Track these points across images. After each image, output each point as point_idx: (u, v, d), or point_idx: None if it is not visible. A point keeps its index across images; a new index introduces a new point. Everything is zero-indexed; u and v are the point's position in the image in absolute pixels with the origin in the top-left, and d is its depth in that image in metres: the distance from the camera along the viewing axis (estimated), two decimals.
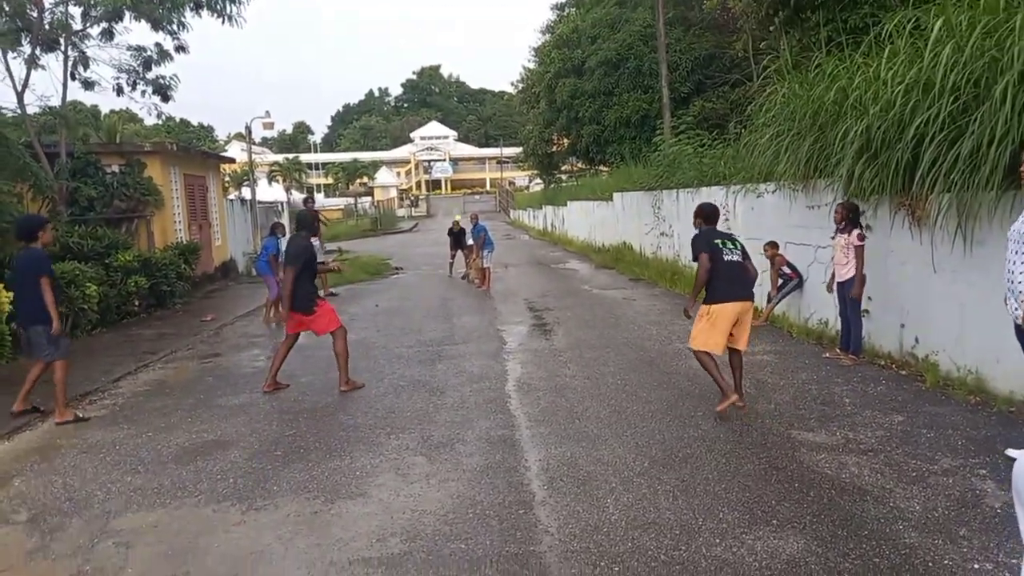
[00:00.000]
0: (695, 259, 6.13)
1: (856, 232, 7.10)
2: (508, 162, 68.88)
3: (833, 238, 7.50)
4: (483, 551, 3.78)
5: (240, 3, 13.61)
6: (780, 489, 4.36)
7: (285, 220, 24.52)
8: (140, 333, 11.04)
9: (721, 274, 5.90)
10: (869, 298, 7.41)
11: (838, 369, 7.13)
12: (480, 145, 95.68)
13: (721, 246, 6.02)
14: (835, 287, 7.53)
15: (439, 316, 11.72)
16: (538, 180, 45.14)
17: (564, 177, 37.59)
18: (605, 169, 28.75)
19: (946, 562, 3.43)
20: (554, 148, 34.07)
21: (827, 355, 7.67)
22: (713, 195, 12.38)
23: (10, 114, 12.31)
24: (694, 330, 6.03)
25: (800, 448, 5.02)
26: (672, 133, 18.33)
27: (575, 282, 15.70)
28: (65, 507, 4.62)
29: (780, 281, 9.40)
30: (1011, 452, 4.53)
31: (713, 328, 5.85)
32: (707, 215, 6.35)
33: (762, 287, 10.11)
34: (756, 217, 10.68)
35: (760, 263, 9.88)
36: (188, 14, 13.48)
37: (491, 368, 7.88)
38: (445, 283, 16.56)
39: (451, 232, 17.73)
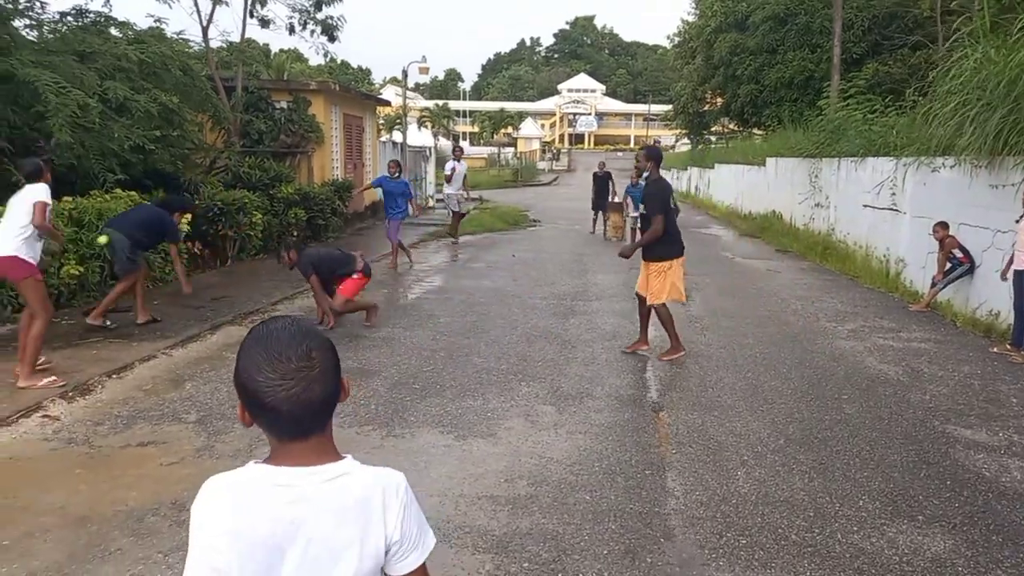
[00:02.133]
0: (651, 213, 6.48)
1: None
2: (655, 119, 66.86)
3: (1018, 222, 6.75)
4: (607, 504, 3.82)
5: None
6: (929, 485, 4.08)
7: (431, 165, 25.25)
8: None
9: (674, 232, 6.50)
10: None
11: (1007, 366, 6.51)
12: (628, 101, 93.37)
13: (673, 205, 6.77)
14: (1011, 276, 6.82)
15: (573, 271, 11.73)
16: (685, 140, 43.59)
17: (713, 139, 36.09)
18: (759, 132, 27.29)
19: None
20: (706, 107, 32.67)
21: (995, 350, 7.01)
22: (880, 167, 11.48)
23: (196, 47, 13.33)
24: (656, 286, 6.48)
25: (956, 445, 4.66)
26: (839, 97, 17.04)
27: (716, 249, 15.19)
28: (228, 412, 5.10)
29: (948, 265, 8.63)
30: None
31: (676, 280, 6.50)
32: (658, 160, 6.70)
33: (925, 270, 9.36)
34: (928, 194, 9.81)
35: (927, 244, 9.15)
36: None
37: (624, 327, 7.83)
38: (582, 238, 16.51)
39: (596, 177, 17.38)
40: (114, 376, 5.81)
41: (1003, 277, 7.15)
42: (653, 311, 6.64)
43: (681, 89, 34.19)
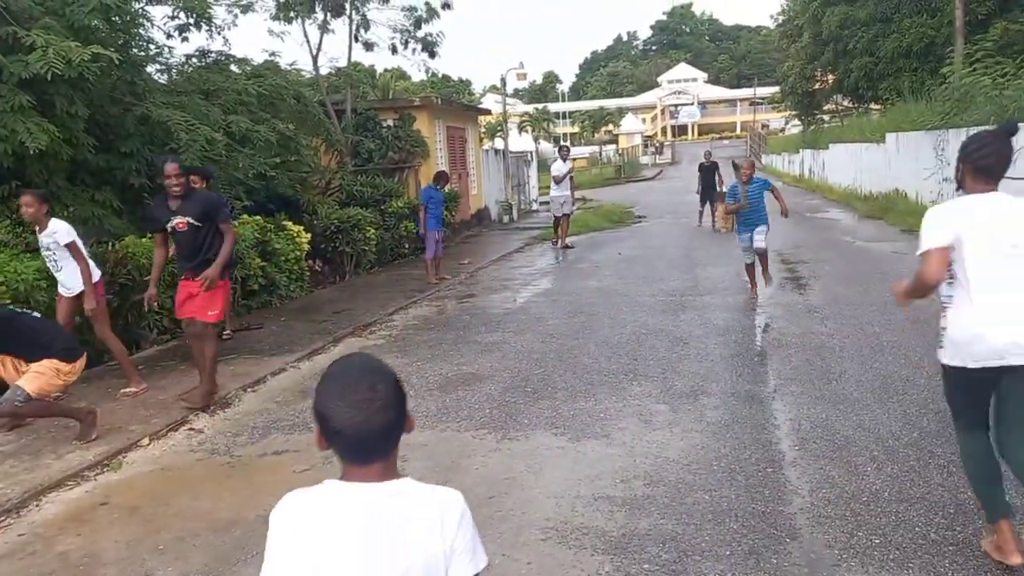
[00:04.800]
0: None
1: None
2: (762, 103, 64.36)
3: None
4: (727, 504, 3.74)
5: None
6: None
7: (534, 170, 25.39)
8: (409, 273, 12.26)
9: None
10: None
11: None
12: (732, 86, 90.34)
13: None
14: None
15: (682, 265, 11.51)
16: (795, 122, 41.72)
17: (826, 118, 34.35)
18: (877, 107, 25.76)
19: None
20: (816, 85, 31.19)
21: None
22: (1017, 135, 10.57)
23: (307, 75, 14.11)
24: None
25: None
26: (965, 62, 15.82)
27: (835, 233, 14.46)
28: None
29: None
30: None
31: None
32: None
33: None
34: None
35: None
36: None
37: (738, 321, 7.62)
38: (689, 232, 16.15)
39: (702, 168, 16.91)
40: (249, 390, 6.25)
41: None
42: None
43: (788, 69, 32.82)
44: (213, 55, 10.77)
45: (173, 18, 9.53)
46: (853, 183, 21.73)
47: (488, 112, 25.04)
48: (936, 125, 14.45)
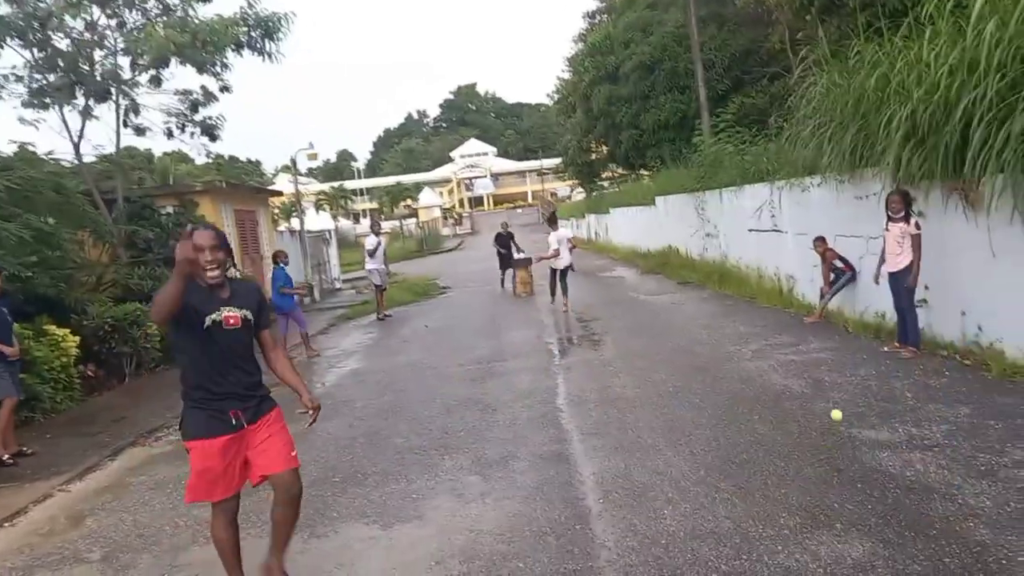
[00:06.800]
0: None
1: (913, 220, 6.91)
2: (548, 173, 68.96)
3: (887, 229, 7.25)
4: (541, 569, 3.78)
5: (278, 40, 14.02)
6: (843, 491, 4.24)
7: (333, 248, 24.99)
8: None
9: None
10: (926, 287, 7.19)
11: (898, 363, 6.91)
12: (520, 158, 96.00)
13: None
14: (887, 278, 7.32)
15: (487, 333, 11.77)
16: (580, 189, 45.10)
17: (606, 184, 37.45)
18: (647, 173, 28.54)
19: (1020, 559, 3.29)
20: (593, 156, 34.02)
21: (885, 349, 7.45)
22: (757, 192, 12.18)
23: (68, 165, 12.90)
24: None
25: (862, 447, 4.88)
26: (712, 132, 18.10)
27: (622, 289, 15.61)
28: (136, 543, 4.79)
29: (832, 276, 9.17)
30: None
31: None
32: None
33: (814, 283, 9.90)
34: (803, 212, 10.46)
35: (811, 259, 9.71)
36: (230, 55, 13.93)
37: (541, 383, 7.88)
38: (492, 298, 16.63)
39: (499, 237, 17.79)
40: (6, 524, 5.37)
41: (876, 281, 7.67)
42: None
43: (567, 142, 35.56)
44: None
45: None
46: (634, 242, 23.73)
47: (279, 193, 24.41)
48: (695, 188, 16.27)
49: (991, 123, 5.95)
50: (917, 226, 6.89)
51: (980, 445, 4.66)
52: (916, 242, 6.86)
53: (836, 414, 5.24)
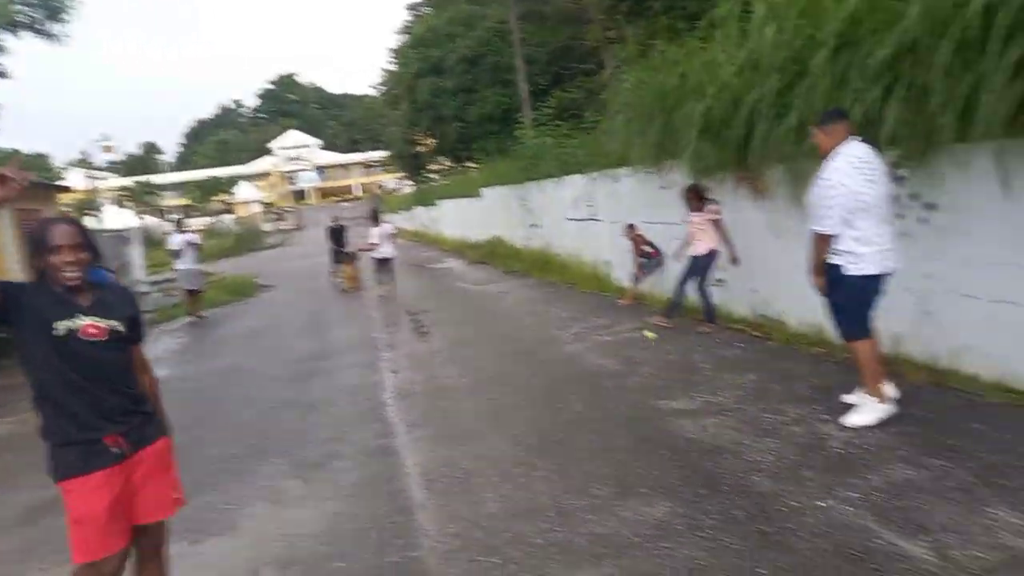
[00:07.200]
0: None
1: (711, 207, 7.54)
2: (376, 166, 67.87)
3: (690, 219, 7.85)
4: (362, 565, 3.71)
5: (64, 20, 12.61)
6: (649, 459, 4.54)
7: (138, 248, 23.00)
8: None
9: None
10: (724, 268, 7.87)
11: (699, 338, 7.51)
12: (346, 151, 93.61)
13: None
14: (687, 261, 7.95)
15: (312, 331, 11.37)
16: (409, 182, 44.80)
17: (435, 177, 37.50)
18: (473, 166, 28.92)
19: (794, 503, 3.69)
20: (419, 148, 33.91)
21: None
22: (575, 183, 12.72)
23: None
24: None
25: (666, 417, 5.25)
26: (533, 125, 18.66)
27: (450, 280, 15.70)
28: None
29: (642, 260, 9.78)
30: (845, 398, 4.93)
31: None
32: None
33: (626, 268, 10.51)
34: (616, 201, 11.06)
35: (624, 245, 10.29)
36: (6, 36, 12.34)
37: (367, 378, 7.74)
38: (317, 296, 16.08)
39: (331, 230, 17.27)
40: None
41: (677, 258, 8.36)
42: None
43: (393, 134, 35.22)
44: None
45: None
46: (462, 234, 23.96)
47: (68, 189, 22.04)
48: (519, 179, 16.69)
49: (770, 118, 6.60)
50: (716, 212, 7.54)
51: (765, 406, 5.17)
52: (719, 225, 7.52)
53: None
